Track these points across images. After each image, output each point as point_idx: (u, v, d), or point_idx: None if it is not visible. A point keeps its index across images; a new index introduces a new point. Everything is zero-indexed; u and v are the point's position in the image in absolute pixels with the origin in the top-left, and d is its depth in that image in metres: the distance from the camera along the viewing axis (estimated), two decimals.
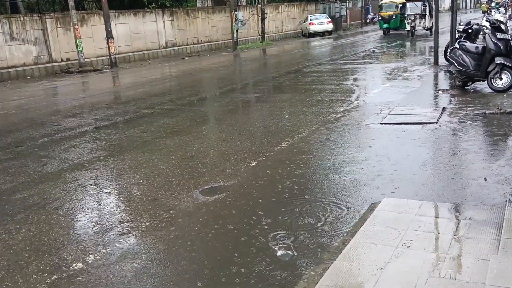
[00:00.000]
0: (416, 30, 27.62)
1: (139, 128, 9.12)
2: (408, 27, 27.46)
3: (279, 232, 4.38)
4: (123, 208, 5.25)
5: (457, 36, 12.06)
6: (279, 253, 4.01)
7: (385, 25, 30.59)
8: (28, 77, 20.83)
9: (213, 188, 5.61)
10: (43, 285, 3.77)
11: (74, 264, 4.07)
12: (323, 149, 6.87)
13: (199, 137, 8.16)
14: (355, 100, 10.27)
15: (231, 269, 3.81)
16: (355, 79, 13.49)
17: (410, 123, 7.90)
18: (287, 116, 9.25)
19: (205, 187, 5.65)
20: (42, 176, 6.50)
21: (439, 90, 10.80)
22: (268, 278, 3.63)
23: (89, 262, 4.10)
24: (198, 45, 30.20)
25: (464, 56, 10.11)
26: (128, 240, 4.45)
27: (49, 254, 4.27)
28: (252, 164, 6.38)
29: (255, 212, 4.85)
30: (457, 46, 10.55)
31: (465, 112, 8.24)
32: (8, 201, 5.62)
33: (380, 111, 8.98)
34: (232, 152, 7.03)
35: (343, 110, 9.36)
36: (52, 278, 3.87)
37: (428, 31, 27.05)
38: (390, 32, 31.03)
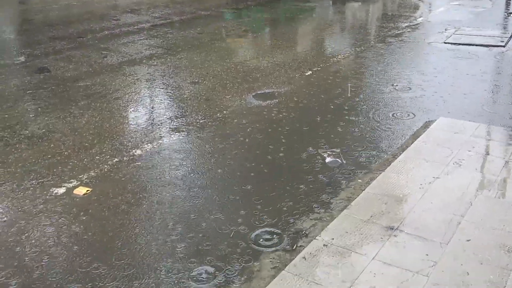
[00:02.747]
0: None
1: (196, 29, 9.09)
2: None
3: (329, 141, 4.45)
4: (179, 104, 5.42)
5: None
6: (328, 159, 4.10)
7: None
8: None
9: (267, 94, 5.66)
10: (105, 166, 4.06)
11: (133, 150, 4.33)
12: (381, 65, 6.69)
13: (255, 43, 8.10)
14: (420, 17, 9.74)
15: (280, 170, 3.95)
16: None
17: (476, 45, 7.48)
18: (347, 29, 8.94)
19: (259, 92, 5.71)
20: (103, 67, 6.72)
21: (511, 13, 10.02)
22: (315, 182, 3.76)
23: (147, 149, 4.35)
24: None
25: None
26: (184, 133, 4.65)
27: (110, 139, 4.55)
28: (307, 74, 6.33)
29: (306, 120, 4.91)
30: None
31: None
32: (72, 87, 5.90)
33: (445, 30, 8.53)
34: (287, 60, 6.96)
35: (406, 26, 8.93)
36: (114, 161, 4.15)
37: None
38: None
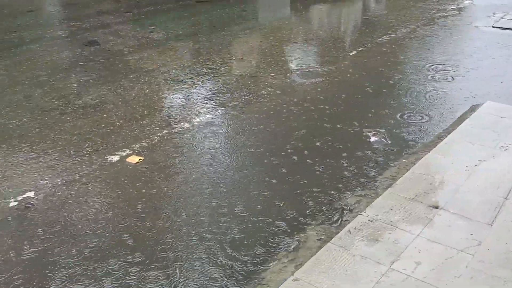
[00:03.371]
0: None
1: (239, 7, 9.13)
2: None
3: (374, 120, 4.47)
4: (224, 80, 5.52)
5: None
6: (372, 139, 4.14)
7: None
8: None
9: (311, 72, 5.69)
10: (155, 136, 4.23)
11: (181, 123, 4.48)
12: (427, 47, 6.59)
13: (298, 22, 8.09)
14: (466, 0, 9.46)
15: (324, 148, 4.02)
16: None
17: None
18: (392, 10, 8.80)
19: (303, 70, 5.75)
20: (150, 42, 6.89)
21: None
22: (359, 160, 3.81)
23: (194, 123, 4.48)
24: None
25: None
26: (229, 109, 4.76)
27: (159, 112, 4.72)
28: (351, 54, 6.32)
29: (350, 99, 4.93)
30: None
31: None
32: (121, 61, 6.09)
33: (494, 13, 8.27)
34: (331, 40, 6.95)
35: (453, 8, 8.71)
36: (163, 132, 4.31)
37: None
38: None
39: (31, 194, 3.41)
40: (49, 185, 3.51)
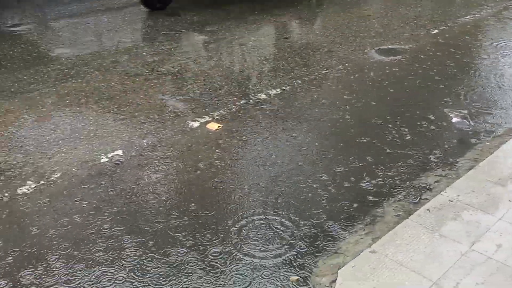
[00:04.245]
0: None
1: None
2: None
3: (455, 101, 4.33)
4: (301, 54, 5.52)
5: None
6: (454, 120, 4.02)
7: None
8: None
9: (390, 49, 5.57)
10: (233, 106, 4.34)
11: (258, 94, 4.56)
12: None
13: None
14: None
15: (402, 126, 3.96)
16: None
17: None
18: None
19: (381, 47, 5.64)
20: (228, 13, 6.99)
21: None
22: (440, 140, 3.73)
23: (271, 94, 4.55)
24: None
25: None
26: (306, 83, 4.77)
27: (237, 83, 4.82)
28: (433, 32, 6.10)
29: (430, 79, 4.79)
30: None
31: None
32: (201, 31, 6.25)
33: None
34: (412, 17, 6.73)
35: None
36: (241, 102, 4.42)
37: None
38: None
39: (119, 152, 3.65)
40: (136, 145, 3.73)
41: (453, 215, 2.83)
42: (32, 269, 2.56)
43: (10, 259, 2.63)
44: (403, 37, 5.93)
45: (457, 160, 3.46)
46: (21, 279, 2.50)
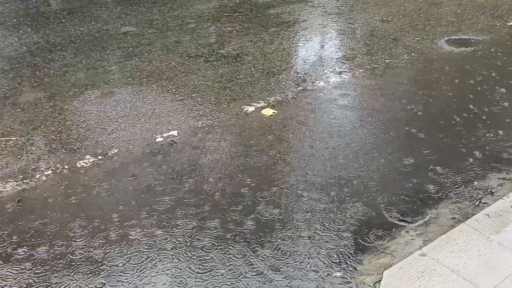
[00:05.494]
0: None
1: None
2: None
3: None
4: (365, 41, 5.33)
5: None
6: None
7: None
8: None
9: (461, 40, 5.24)
10: (290, 92, 4.27)
11: (317, 81, 4.46)
12: None
13: None
14: None
15: (466, 123, 3.73)
16: None
17: None
18: None
19: (452, 37, 5.32)
20: None
21: None
22: (508, 140, 3.48)
23: (330, 82, 4.43)
24: None
25: None
26: (368, 71, 4.60)
27: (296, 67, 4.74)
28: (510, 23, 5.66)
29: (502, 74, 4.46)
30: None
31: None
32: (264, 14, 6.18)
33: None
34: (488, 6, 6.29)
35: None
36: (298, 89, 4.34)
37: None
38: None
39: (174, 132, 3.70)
40: (191, 126, 3.77)
41: None
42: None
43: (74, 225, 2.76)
44: (476, 28, 5.56)
45: None
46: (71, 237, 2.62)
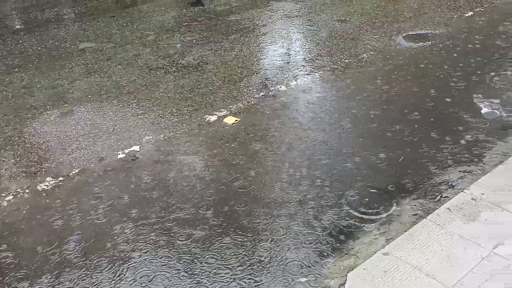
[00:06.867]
0: None
1: None
2: None
3: (487, 91, 4.09)
4: (324, 42, 5.35)
5: None
6: (484, 110, 3.79)
7: None
8: None
9: (419, 35, 5.32)
10: (252, 98, 4.26)
11: (278, 86, 4.45)
12: None
13: None
14: None
15: (427, 118, 3.77)
16: None
17: None
18: None
19: (410, 33, 5.39)
20: (252, 2, 6.85)
21: None
22: (467, 132, 3.53)
23: (291, 86, 4.43)
24: None
25: None
26: (328, 73, 4.62)
27: (257, 74, 4.73)
28: (467, 15, 5.78)
29: (462, 67, 4.54)
30: None
31: None
32: (223, 21, 6.16)
33: None
34: None
35: None
36: (260, 94, 4.33)
37: None
38: None
39: (136, 148, 3.64)
40: (153, 140, 3.72)
41: (476, 216, 2.67)
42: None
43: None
44: (434, 21, 5.65)
45: (484, 154, 3.26)
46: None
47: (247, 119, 3.92)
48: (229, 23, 6.09)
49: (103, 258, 2.63)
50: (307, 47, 5.28)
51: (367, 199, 2.92)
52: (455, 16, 5.78)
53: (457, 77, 4.33)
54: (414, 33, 5.38)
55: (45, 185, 3.31)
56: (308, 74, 4.62)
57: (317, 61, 4.89)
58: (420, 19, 5.75)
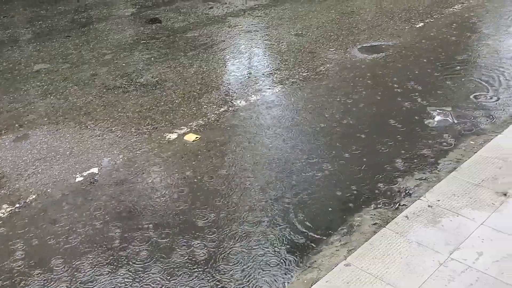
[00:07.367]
0: None
1: None
2: None
3: (439, 99, 4.24)
4: (282, 56, 5.43)
5: None
6: (437, 118, 3.93)
7: None
8: None
9: (373, 47, 5.47)
10: (212, 114, 4.26)
11: (238, 101, 4.47)
12: (502, 19, 6.11)
13: None
14: None
15: (383, 127, 3.87)
16: None
17: None
18: None
19: (364, 45, 5.54)
20: (209, 18, 6.90)
21: None
22: (421, 140, 3.64)
23: (251, 101, 4.46)
24: None
25: None
26: (287, 86, 4.69)
27: (217, 89, 4.74)
28: (418, 26, 5.99)
29: (414, 76, 4.69)
30: None
31: None
32: (181, 38, 6.16)
33: None
34: (397, 11, 6.62)
35: None
36: (220, 110, 4.33)
37: None
38: None
39: (95, 170, 3.57)
40: (112, 162, 3.66)
41: (433, 222, 2.74)
42: None
43: None
44: (386, 33, 5.82)
45: (439, 161, 3.37)
46: None
47: (207, 136, 3.91)
48: (187, 39, 6.09)
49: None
50: (265, 61, 5.34)
51: (324, 212, 2.96)
52: (406, 27, 5.98)
53: (411, 86, 4.47)
54: (369, 44, 5.53)
55: (1, 213, 3.19)
56: (268, 88, 4.66)
57: (276, 75, 4.94)
58: (374, 31, 5.92)
